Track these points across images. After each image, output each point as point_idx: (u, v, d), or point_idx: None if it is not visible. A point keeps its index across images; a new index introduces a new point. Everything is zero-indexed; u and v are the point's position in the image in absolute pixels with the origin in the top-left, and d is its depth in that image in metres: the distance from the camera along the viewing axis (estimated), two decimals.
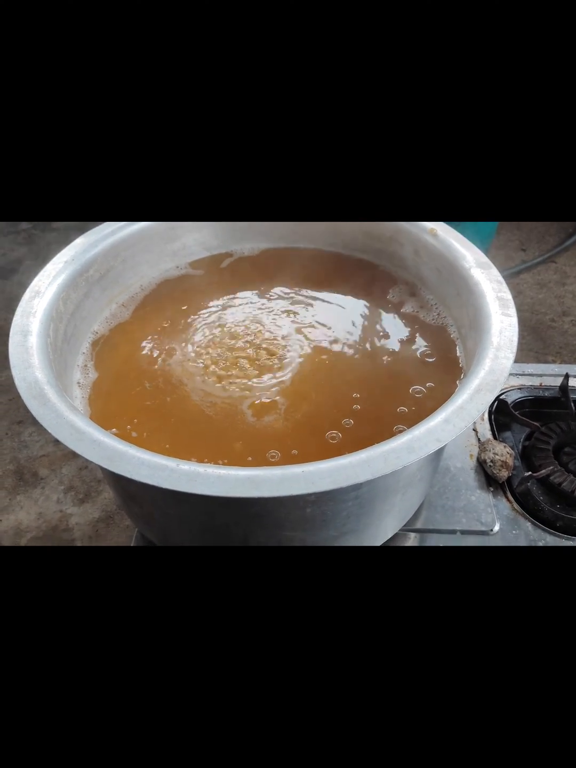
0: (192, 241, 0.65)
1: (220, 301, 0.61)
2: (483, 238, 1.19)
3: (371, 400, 0.49)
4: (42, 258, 1.37)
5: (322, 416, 0.48)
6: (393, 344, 0.54)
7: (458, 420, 0.38)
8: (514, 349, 0.43)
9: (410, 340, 0.55)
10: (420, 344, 0.54)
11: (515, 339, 0.44)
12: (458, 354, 0.53)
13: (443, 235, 0.56)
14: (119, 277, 0.60)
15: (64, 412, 0.39)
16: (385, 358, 0.53)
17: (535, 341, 1.08)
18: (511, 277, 1.23)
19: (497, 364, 0.41)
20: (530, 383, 0.71)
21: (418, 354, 0.53)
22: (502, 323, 0.45)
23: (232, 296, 0.62)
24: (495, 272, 0.51)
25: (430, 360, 0.53)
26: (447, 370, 0.51)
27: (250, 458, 0.45)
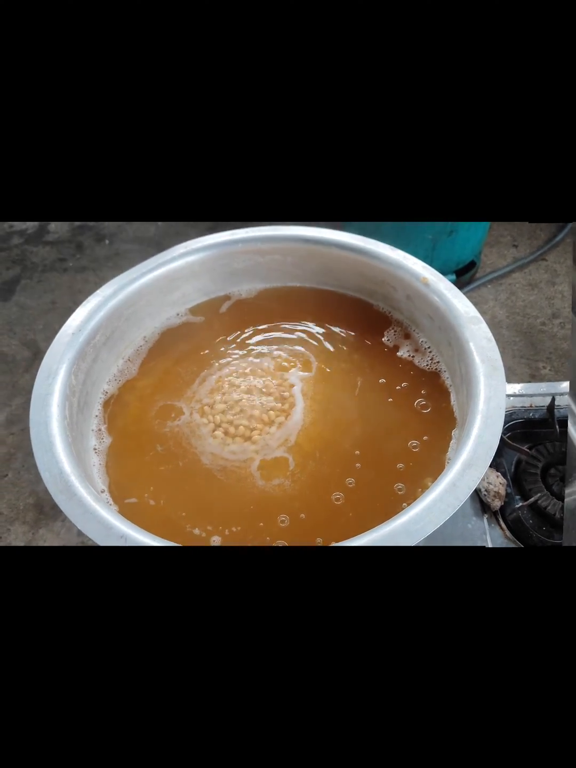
0: (191, 288, 0.67)
1: (222, 349, 0.64)
2: (476, 240, 1.20)
3: (372, 456, 0.53)
4: (37, 278, 1.38)
5: (327, 477, 0.51)
6: (391, 395, 0.57)
7: (452, 498, 0.42)
8: (502, 418, 0.46)
9: (407, 391, 0.58)
10: (416, 394, 0.57)
11: (503, 405, 0.47)
12: (452, 403, 0.56)
13: (435, 284, 0.58)
14: (124, 335, 0.62)
15: (90, 506, 0.43)
16: (383, 411, 0.56)
17: (526, 347, 1.11)
18: (503, 277, 1.25)
19: (483, 440, 0.45)
20: (521, 404, 0.74)
21: (414, 405, 0.56)
22: (489, 391, 0.48)
23: (233, 344, 0.64)
24: (484, 328, 0.53)
25: (426, 411, 0.56)
26: (441, 422, 0.54)
27: (261, 524, 0.49)
